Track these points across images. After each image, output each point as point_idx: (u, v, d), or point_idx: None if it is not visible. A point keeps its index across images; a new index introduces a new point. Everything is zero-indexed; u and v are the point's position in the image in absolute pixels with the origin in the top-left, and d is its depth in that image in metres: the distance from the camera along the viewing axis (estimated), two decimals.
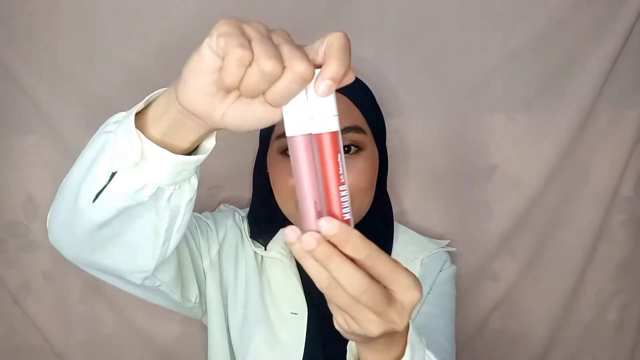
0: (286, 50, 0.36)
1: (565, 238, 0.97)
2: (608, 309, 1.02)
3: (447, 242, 0.86)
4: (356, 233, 0.38)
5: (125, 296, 0.95)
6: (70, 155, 0.90)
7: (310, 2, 0.89)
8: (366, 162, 0.70)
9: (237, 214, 0.83)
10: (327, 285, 0.39)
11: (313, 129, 0.38)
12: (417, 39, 0.90)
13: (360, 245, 0.38)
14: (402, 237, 0.83)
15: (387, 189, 0.85)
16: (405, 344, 0.46)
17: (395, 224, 0.86)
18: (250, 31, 0.37)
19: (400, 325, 0.40)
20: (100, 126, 0.51)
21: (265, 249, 0.76)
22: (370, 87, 0.82)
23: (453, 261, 0.85)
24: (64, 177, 0.51)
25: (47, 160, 0.91)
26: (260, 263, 0.78)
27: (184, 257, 0.70)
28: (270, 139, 0.74)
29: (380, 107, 0.91)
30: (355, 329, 0.41)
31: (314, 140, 0.39)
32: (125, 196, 0.45)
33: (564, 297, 0.99)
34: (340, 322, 0.42)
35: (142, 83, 0.89)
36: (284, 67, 0.35)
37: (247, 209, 0.84)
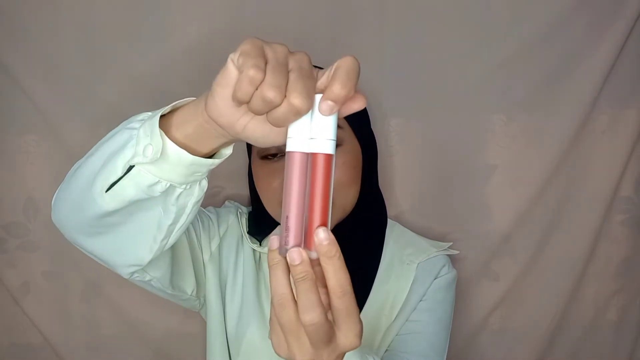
0: (293, 79, 0.39)
1: (565, 238, 0.97)
2: (608, 309, 1.02)
3: (448, 244, 0.85)
4: (342, 256, 0.41)
5: (125, 296, 0.95)
6: (70, 155, 0.91)
7: (311, 2, 0.89)
8: (345, 156, 0.71)
9: (239, 211, 0.84)
10: (279, 302, 0.42)
11: (311, 148, 0.41)
12: (417, 38, 0.90)
13: (340, 268, 0.41)
14: (402, 239, 0.83)
15: (387, 189, 0.85)
16: None
17: (396, 224, 0.86)
18: (269, 54, 0.39)
19: None
20: (103, 125, 0.52)
21: (260, 245, 0.78)
22: (370, 87, 0.81)
23: (453, 262, 0.84)
24: (77, 164, 0.53)
25: (47, 160, 0.91)
26: (258, 259, 0.80)
27: (182, 250, 0.71)
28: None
29: (380, 107, 0.91)
30: (283, 353, 0.44)
31: (309, 158, 0.42)
32: (137, 189, 0.47)
33: (564, 297, 0.99)
34: (273, 340, 0.44)
35: (142, 83, 0.89)
36: (284, 97, 0.38)
37: (251, 207, 0.86)
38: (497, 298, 0.99)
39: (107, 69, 0.89)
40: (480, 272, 0.98)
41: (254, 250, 0.79)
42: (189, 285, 0.74)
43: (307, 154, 0.42)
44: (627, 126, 0.94)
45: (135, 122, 0.48)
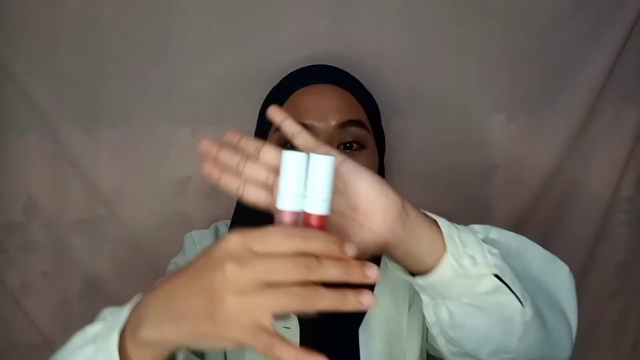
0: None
1: (565, 238, 0.97)
2: (608, 309, 1.02)
3: None
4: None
5: (125, 296, 0.95)
6: (70, 155, 0.91)
7: (311, 3, 0.89)
8: (368, 161, 0.68)
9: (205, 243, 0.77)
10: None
11: (305, 207, 0.41)
12: (417, 38, 0.90)
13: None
14: None
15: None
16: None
17: None
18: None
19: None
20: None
21: None
22: (370, 87, 0.81)
23: None
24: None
25: (47, 160, 0.91)
26: None
27: None
28: (269, 133, 0.71)
29: (380, 107, 0.92)
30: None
31: (301, 216, 0.41)
32: None
33: None
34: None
35: (142, 83, 0.89)
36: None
37: (225, 221, 0.79)
38: None
39: (107, 69, 0.89)
40: None
41: None
42: None
43: (299, 212, 0.41)
44: (627, 126, 0.95)
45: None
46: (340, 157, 0.45)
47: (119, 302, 1.00)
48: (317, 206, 0.40)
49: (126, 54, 0.88)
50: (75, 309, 0.96)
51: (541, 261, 0.57)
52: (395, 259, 0.50)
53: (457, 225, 0.50)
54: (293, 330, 0.70)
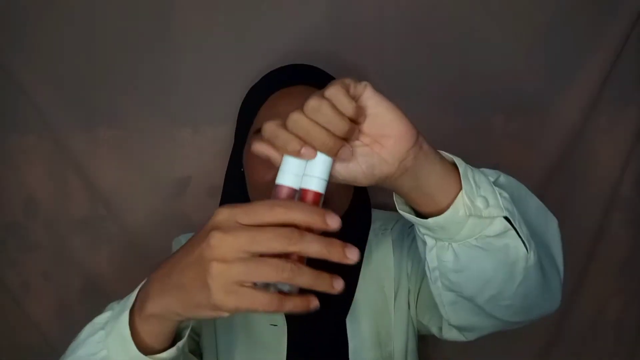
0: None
1: (565, 238, 0.97)
2: (608, 309, 1.02)
3: None
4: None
5: (125, 296, 0.95)
6: (70, 155, 0.91)
7: (311, 2, 0.89)
8: None
9: None
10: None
11: (302, 184, 0.41)
12: (417, 39, 0.90)
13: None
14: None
15: (386, 190, 0.84)
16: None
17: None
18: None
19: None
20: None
21: None
22: None
23: None
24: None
25: (47, 160, 0.91)
26: None
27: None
28: (248, 134, 0.73)
29: None
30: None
31: (298, 194, 0.41)
32: None
33: (564, 297, 0.99)
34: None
35: (141, 82, 0.89)
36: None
37: None
38: None
39: (107, 69, 0.89)
40: None
41: None
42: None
43: (296, 190, 0.41)
44: (627, 126, 0.95)
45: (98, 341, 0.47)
46: (364, 83, 0.45)
47: None
48: (314, 183, 0.41)
49: (126, 53, 0.88)
50: (75, 309, 0.96)
51: (537, 211, 0.58)
52: (402, 194, 0.49)
53: (471, 167, 0.49)
54: (280, 327, 0.70)
